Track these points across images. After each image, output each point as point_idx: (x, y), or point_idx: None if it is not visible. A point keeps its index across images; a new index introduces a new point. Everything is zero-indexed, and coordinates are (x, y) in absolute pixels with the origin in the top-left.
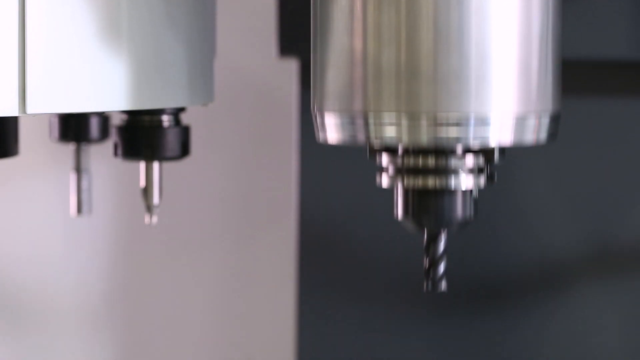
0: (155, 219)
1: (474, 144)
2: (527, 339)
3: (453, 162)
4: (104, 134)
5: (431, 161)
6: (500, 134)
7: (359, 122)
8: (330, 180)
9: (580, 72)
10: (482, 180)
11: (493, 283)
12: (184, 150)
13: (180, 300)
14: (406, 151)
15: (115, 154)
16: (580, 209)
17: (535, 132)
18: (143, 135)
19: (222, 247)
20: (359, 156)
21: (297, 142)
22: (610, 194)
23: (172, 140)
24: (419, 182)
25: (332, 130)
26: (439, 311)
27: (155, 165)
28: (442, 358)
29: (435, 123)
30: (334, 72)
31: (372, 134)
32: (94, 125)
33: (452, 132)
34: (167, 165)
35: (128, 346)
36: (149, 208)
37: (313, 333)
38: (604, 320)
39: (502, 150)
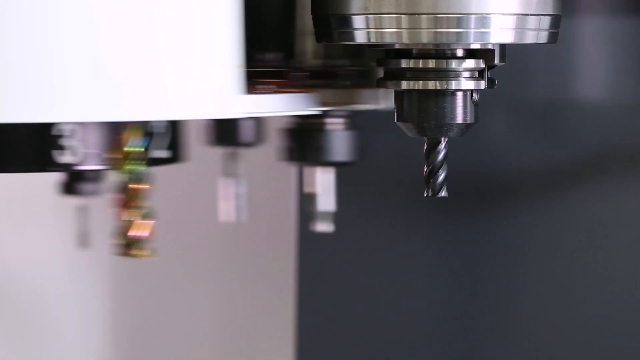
0: (331, 226)
1: (474, 44)
2: (533, 239)
3: (453, 64)
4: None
5: (432, 63)
6: (500, 33)
7: (360, 24)
8: None
9: None
10: (483, 84)
11: (496, 183)
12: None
13: (180, 299)
14: (407, 53)
15: (284, 158)
16: (583, 112)
17: (535, 32)
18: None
19: (223, 247)
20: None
21: None
22: (614, 99)
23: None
24: (419, 84)
25: (331, 33)
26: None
27: (324, 170)
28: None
29: (436, 24)
30: None
31: (373, 37)
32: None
33: (452, 32)
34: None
35: (129, 346)
36: (313, 215)
37: (313, 333)
38: (608, 221)
39: (503, 52)
